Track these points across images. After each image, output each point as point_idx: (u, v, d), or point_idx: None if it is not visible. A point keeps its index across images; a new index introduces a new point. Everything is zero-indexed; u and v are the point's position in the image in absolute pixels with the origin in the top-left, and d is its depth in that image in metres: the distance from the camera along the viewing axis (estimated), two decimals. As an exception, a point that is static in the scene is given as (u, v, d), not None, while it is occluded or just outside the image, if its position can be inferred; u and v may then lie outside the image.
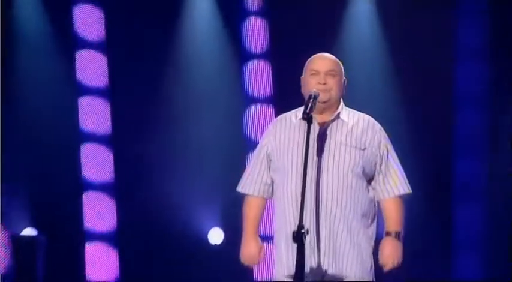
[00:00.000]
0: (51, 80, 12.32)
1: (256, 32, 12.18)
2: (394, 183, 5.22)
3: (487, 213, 12.68)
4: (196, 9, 12.44)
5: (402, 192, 5.11)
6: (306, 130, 4.62)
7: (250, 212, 5.18)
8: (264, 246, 5.32)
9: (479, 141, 12.72)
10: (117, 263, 12.17)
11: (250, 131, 12.08)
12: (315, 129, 4.74)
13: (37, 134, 12.17)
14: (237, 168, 12.03)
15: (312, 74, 4.98)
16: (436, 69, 12.37)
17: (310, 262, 4.66)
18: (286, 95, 11.20)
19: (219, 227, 12.19)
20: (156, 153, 12.08)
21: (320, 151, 4.87)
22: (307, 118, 4.42)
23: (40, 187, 12.07)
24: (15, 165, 12.02)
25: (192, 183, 12.26)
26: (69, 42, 12.41)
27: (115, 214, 12.30)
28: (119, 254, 12.21)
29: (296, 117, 4.98)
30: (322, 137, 4.91)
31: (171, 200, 12.08)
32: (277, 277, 5.02)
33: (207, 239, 12.24)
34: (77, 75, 12.19)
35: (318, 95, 4.68)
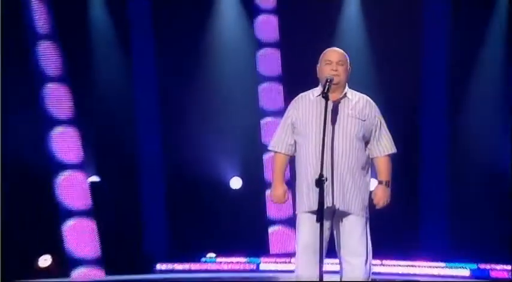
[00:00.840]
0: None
1: (268, 25, 13.58)
2: (385, 145, 6.27)
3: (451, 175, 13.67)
4: (224, 8, 13.88)
5: (390, 152, 6.24)
6: (322, 105, 5.79)
7: (278, 164, 6.22)
8: (288, 192, 6.30)
9: (443, 106, 13.83)
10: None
11: (263, 102, 13.45)
12: (330, 104, 5.80)
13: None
14: (253, 130, 13.58)
15: (326, 64, 6.02)
16: (407, 46, 13.46)
17: (326, 201, 5.71)
18: (291, 75, 13.18)
19: (238, 176, 13.93)
20: (192, 117, 13.55)
21: (333, 121, 5.90)
22: (325, 96, 5.58)
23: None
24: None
25: (217, 142, 13.57)
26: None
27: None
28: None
29: (313, 95, 6.10)
30: (334, 111, 5.95)
31: (201, 154, 13.69)
32: (300, 211, 6.16)
33: (229, 185, 13.94)
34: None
35: (333, 79, 5.79)
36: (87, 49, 13.79)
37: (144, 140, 13.83)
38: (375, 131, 6.31)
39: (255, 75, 13.96)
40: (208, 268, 13.22)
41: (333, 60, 6.06)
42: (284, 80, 13.82)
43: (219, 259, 13.40)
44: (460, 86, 13.79)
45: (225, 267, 13.23)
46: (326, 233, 5.98)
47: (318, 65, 6.18)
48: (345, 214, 6.05)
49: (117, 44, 14.21)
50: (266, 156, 13.64)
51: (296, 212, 6.20)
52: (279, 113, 12.71)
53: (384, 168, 6.31)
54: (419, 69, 14.07)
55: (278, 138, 6.29)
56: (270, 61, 13.85)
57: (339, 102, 6.00)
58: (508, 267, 12.01)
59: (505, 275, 12.13)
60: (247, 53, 14.24)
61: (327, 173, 5.71)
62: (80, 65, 13.44)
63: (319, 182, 5.46)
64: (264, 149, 13.29)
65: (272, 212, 13.48)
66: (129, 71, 13.99)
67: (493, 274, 12.31)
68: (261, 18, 13.83)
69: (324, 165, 5.64)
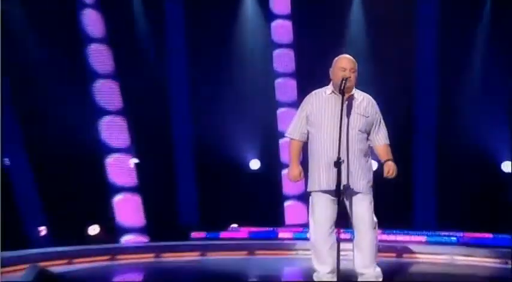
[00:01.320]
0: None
1: (283, 29, 14.19)
2: (382, 136, 6.96)
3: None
4: (247, 13, 14.33)
5: (386, 142, 6.95)
6: (333, 101, 6.69)
7: (294, 149, 6.99)
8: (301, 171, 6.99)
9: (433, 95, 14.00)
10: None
11: (279, 95, 14.06)
12: (340, 102, 6.61)
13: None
14: (270, 119, 14.18)
15: (340, 70, 6.71)
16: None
17: (340, 181, 6.43)
18: (303, 72, 13.81)
19: (256, 158, 14.37)
20: (219, 108, 13.87)
21: (346, 115, 6.68)
22: (342, 93, 6.41)
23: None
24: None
25: (239, 129, 13.98)
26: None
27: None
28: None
29: (325, 93, 6.86)
30: (348, 108, 6.77)
31: (226, 140, 13.96)
32: (313, 190, 6.85)
33: (249, 166, 14.40)
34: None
35: (348, 79, 6.53)
36: (132, 49, 14.01)
37: (178, 127, 14.21)
38: (375, 125, 6.93)
39: (272, 71, 14.40)
40: (233, 236, 13.49)
41: (346, 68, 6.67)
42: (297, 76, 14.29)
43: (242, 229, 13.62)
44: (450, 80, 13.85)
45: (247, 235, 13.54)
46: (336, 207, 6.51)
47: (332, 68, 6.82)
48: (354, 192, 6.71)
49: (154, 43, 14.44)
50: (281, 142, 14.03)
51: (308, 190, 6.88)
52: (292, 105, 13.77)
53: (385, 151, 6.90)
54: (413, 67, 14.17)
55: (294, 127, 6.94)
56: (284, 60, 14.34)
57: (348, 101, 6.67)
58: (488, 235, 12.17)
59: (485, 241, 12.15)
60: (266, 53, 14.60)
61: (340, 157, 6.34)
62: (126, 64, 13.72)
63: (338, 163, 6.10)
64: (280, 135, 14.06)
65: (287, 188, 14.00)
66: (165, 68, 14.29)
67: (474, 241, 12.32)
68: (277, 23, 14.33)
69: (335, 151, 6.30)
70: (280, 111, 14.25)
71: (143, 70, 14.11)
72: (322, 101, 6.84)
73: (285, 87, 14.19)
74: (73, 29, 13.55)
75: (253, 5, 14.66)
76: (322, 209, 6.74)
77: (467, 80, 14.05)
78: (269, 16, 14.37)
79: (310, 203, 6.89)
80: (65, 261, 10.61)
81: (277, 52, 14.18)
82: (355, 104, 6.83)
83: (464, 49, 13.99)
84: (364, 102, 6.93)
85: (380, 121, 7.06)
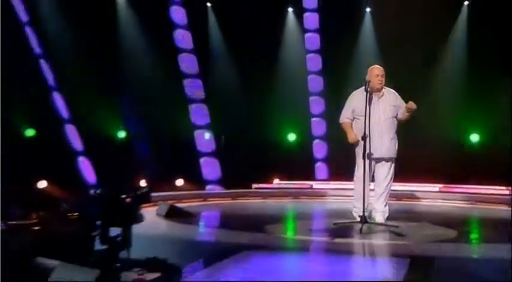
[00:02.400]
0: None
1: (313, 39, 14.77)
2: (403, 111, 7.60)
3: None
4: (287, 26, 14.85)
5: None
6: (369, 98, 7.35)
7: (347, 126, 7.86)
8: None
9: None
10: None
11: (311, 87, 14.72)
12: (376, 98, 7.54)
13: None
14: (303, 105, 14.72)
15: (375, 76, 7.59)
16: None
17: (372, 152, 7.46)
18: (330, 71, 14.30)
19: (293, 132, 14.98)
20: (267, 97, 14.41)
21: (378, 108, 7.61)
22: (367, 91, 7.18)
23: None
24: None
25: (281, 111, 14.59)
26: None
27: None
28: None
29: (361, 92, 7.54)
30: (379, 101, 7.64)
31: (271, 119, 14.63)
32: (359, 153, 7.68)
33: (287, 139, 15.02)
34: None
35: (370, 81, 7.35)
36: (208, 56, 14.78)
37: (236, 109, 14.40)
38: (399, 108, 7.78)
39: (305, 70, 14.89)
40: (278, 187, 14.30)
41: (379, 74, 7.66)
42: (323, 73, 14.88)
43: (284, 183, 14.39)
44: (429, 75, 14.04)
45: (289, 186, 14.23)
46: (368, 168, 7.55)
47: (368, 74, 7.71)
48: (382, 159, 7.81)
49: (222, 52, 14.98)
50: (312, 121, 14.88)
51: (356, 150, 7.79)
52: (320, 94, 14.74)
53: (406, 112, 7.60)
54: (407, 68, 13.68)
55: (345, 114, 7.99)
56: (314, 62, 14.88)
57: (380, 97, 7.73)
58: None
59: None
60: (301, 57, 15.04)
61: (373, 136, 7.48)
62: (205, 67, 14.70)
63: (364, 137, 7.27)
64: (310, 116, 14.92)
65: (316, 154, 14.75)
66: (231, 69, 14.73)
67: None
68: (309, 35, 14.91)
69: (371, 131, 7.35)
70: (312, 99, 14.95)
71: (218, 71, 14.87)
72: (361, 97, 7.65)
73: (315, 82, 14.83)
74: (170, 43, 14.31)
75: (293, 22, 15.08)
76: (361, 168, 7.69)
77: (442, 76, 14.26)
78: (304, 30, 14.95)
79: (356, 164, 7.95)
80: (177, 201, 11.34)
81: (309, 56, 14.84)
82: (384, 98, 7.78)
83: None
84: (390, 96, 7.85)
85: (401, 104, 7.80)
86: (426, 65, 14.15)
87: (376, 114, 7.56)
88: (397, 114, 7.79)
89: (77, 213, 9.79)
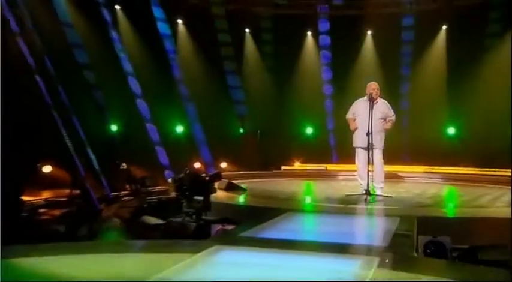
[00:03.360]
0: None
1: (326, 56, 15.01)
2: (390, 118, 7.97)
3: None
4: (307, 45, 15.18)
5: (391, 119, 7.89)
6: (367, 104, 7.74)
7: (351, 121, 8.15)
8: None
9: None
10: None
11: (325, 90, 15.10)
12: (371, 105, 7.70)
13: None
14: (317, 104, 14.93)
15: (371, 90, 7.87)
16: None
17: (369, 142, 7.60)
18: (338, 80, 14.55)
19: (310, 127, 15.33)
20: (289, 97, 14.85)
21: (373, 111, 7.71)
22: (371, 100, 7.63)
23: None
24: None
25: (301, 108, 14.89)
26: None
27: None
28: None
29: (363, 100, 7.97)
30: (373, 107, 7.76)
31: (292, 114, 15.02)
32: (357, 146, 8.08)
33: (306, 132, 15.40)
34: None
35: (373, 97, 7.73)
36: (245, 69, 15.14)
37: (267, 110, 14.71)
38: (387, 115, 8.08)
39: (320, 79, 15.25)
40: (301, 168, 14.72)
41: (375, 88, 8.06)
42: (332, 82, 15.12)
43: (303, 165, 14.84)
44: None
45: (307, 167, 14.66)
46: (366, 154, 7.85)
47: (367, 88, 8.07)
48: (375, 148, 8.00)
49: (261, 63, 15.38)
50: (327, 118, 15.03)
51: (354, 146, 8.24)
52: (331, 97, 14.90)
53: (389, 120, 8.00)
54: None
55: (350, 113, 8.34)
56: (326, 72, 15.20)
57: (375, 104, 7.96)
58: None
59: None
60: (317, 67, 15.30)
61: (370, 130, 7.68)
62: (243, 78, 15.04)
63: (368, 134, 7.63)
64: (325, 113, 15.12)
65: (331, 142, 14.89)
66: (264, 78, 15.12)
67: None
68: (323, 52, 15.17)
69: (366, 128, 7.63)
70: (327, 100, 15.15)
71: (254, 81, 15.20)
72: (362, 104, 8.18)
73: (328, 88, 15.20)
74: (218, 62, 14.61)
75: (311, 41, 15.41)
76: (362, 156, 8.16)
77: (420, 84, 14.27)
78: (319, 48, 15.19)
79: (356, 153, 8.33)
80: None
81: (323, 68, 15.26)
82: (378, 106, 8.09)
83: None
84: (382, 104, 8.19)
85: (389, 110, 8.19)
86: (412, 76, 14.47)
87: (373, 115, 7.87)
88: (385, 118, 8.14)
89: (159, 187, 10.61)
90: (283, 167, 14.49)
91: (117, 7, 13.14)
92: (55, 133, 10.05)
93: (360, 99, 8.24)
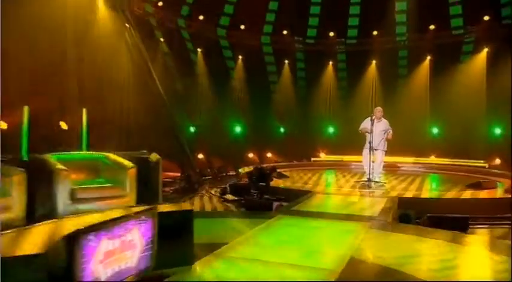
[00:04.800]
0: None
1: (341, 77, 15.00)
2: (388, 133, 8.11)
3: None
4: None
5: (389, 136, 8.00)
6: (371, 122, 7.97)
7: (362, 132, 8.20)
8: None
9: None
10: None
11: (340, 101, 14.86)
12: (376, 122, 8.03)
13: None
14: (336, 109, 14.87)
15: (378, 112, 8.16)
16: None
17: (373, 145, 7.90)
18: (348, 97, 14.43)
19: (332, 127, 15.29)
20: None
21: (377, 128, 8.00)
22: (372, 120, 7.92)
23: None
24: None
25: (322, 114, 15.05)
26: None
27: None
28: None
29: (371, 118, 8.02)
30: (377, 124, 8.06)
31: (313, 119, 14.92)
32: (364, 148, 8.19)
33: (328, 131, 15.35)
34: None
35: (375, 117, 7.94)
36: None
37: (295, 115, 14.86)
38: (387, 129, 8.26)
39: (337, 94, 15.10)
40: (325, 159, 14.56)
41: (379, 111, 8.36)
42: (346, 97, 14.83)
43: (326, 156, 14.52)
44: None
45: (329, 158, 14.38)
46: (369, 152, 8.08)
47: (374, 110, 8.32)
48: (377, 149, 8.25)
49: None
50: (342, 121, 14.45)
51: (364, 148, 8.35)
52: (344, 106, 14.44)
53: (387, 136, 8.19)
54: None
55: (362, 127, 8.37)
56: (341, 90, 15.19)
57: (378, 122, 8.25)
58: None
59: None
60: (334, 85, 15.23)
61: (374, 139, 8.02)
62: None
63: (371, 147, 8.01)
64: (340, 117, 14.74)
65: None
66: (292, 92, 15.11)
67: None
68: (339, 75, 15.15)
69: (373, 137, 7.97)
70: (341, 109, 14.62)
71: (286, 95, 15.28)
72: (369, 121, 8.27)
73: (342, 99, 14.96)
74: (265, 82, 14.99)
75: (331, 68, 15.25)
76: (366, 152, 8.32)
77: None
78: (337, 71, 15.16)
79: (363, 151, 8.46)
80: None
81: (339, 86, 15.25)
82: (380, 123, 8.34)
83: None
84: (383, 122, 8.40)
85: (388, 128, 8.32)
86: (405, 90, 14.27)
87: (376, 130, 8.23)
88: (385, 132, 8.41)
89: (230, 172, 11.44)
90: (312, 158, 14.52)
91: (199, 50, 14.11)
92: (166, 132, 10.65)
93: (368, 118, 8.42)
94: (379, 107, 8.65)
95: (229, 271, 3.30)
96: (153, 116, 10.48)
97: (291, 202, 6.51)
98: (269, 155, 14.25)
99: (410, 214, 5.70)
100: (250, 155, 13.82)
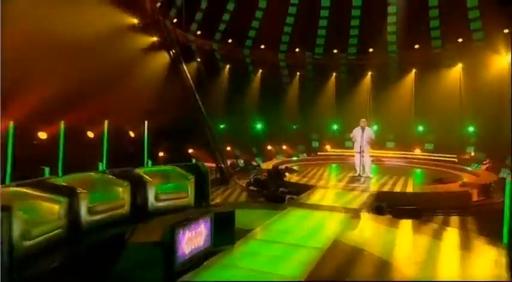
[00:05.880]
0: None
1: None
2: (371, 142, 8.55)
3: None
4: None
5: (371, 142, 8.32)
6: (360, 131, 8.52)
7: (353, 139, 8.82)
8: None
9: None
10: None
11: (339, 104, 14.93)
12: (362, 131, 8.50)
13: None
14: (335, 111, 14.79)
15: (363, 122, 8.55)
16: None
17: (360, 150, 8.47)
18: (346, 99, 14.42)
19: (336, 125, 15.37)
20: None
21: (363, 136, 8.46)
22: (362, 129, 8.45)
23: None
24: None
25: (327, 116, 15.04)
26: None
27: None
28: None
29: (357, 128, 8.60)
30: (363, 133, 8.51)
31: (320, 119, 14.97)
32: (355, 152, 8.76)
33: (333, 128, 15.47)
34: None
35: (365, 128, 8.44)
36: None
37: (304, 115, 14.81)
38: (371, 137, 8.65)
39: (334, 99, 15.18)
40: (328, 153, 14.35)
41: (365, 121, 8.79)
42: (343, 101, 14.64)
43: (331, 150, 14.83)
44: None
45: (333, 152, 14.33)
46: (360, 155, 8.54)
47: (361, 121, 8.63)
48: (363, 152, 8.66)
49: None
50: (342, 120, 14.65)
51: (354, 151, 8.88)
52: (342, 108, 14.38)
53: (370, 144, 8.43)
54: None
55: (352, 136, 8.92)
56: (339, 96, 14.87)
57: (364, 131, 8.65)
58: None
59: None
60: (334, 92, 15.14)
61: (362, 145, 8.54)
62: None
63: (360, 151, 8.53)
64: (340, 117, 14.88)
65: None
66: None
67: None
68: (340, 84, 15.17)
69: (361, 143, 8.45)
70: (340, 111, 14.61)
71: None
72: (358, 130, 8.82)
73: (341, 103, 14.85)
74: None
75: (333, 77, 15.45)
76: (356, 154, 8.91)
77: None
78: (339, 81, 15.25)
79: (355, 154, 8.99)
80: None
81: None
82: (365, 132, 8.79)
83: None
84: (368, 130, 8.88)
85: (372, 135, 8.82)
86: (394, 95, 14.27)
87: (363, 136, 8.83)
88: (370, 138, 8.93)
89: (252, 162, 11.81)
90: (319, 153, 14.92)
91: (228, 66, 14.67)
92: (201, 132, 10.98)
93: (357, 128, 8.99)
94: (364, 119, 9.16)
95: (257, 248, 4.33)
96: (192, 120, 11.11)
97: (298, 196, 7.15)
98: (284, 147, 14.58)
99: (383, 206, 6.44)
100: (269, 147, 14.18)
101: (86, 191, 4.25)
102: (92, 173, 4.91)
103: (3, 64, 5.01)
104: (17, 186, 3.92)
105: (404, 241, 5.00)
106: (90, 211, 4.29)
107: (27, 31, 6.49)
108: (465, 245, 4.75)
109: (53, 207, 3.96)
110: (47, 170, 6.30)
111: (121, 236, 4.04)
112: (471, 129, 13.27)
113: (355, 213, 5.87)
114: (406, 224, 5.57)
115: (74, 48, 7.28)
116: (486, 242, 4.78)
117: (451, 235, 5.22)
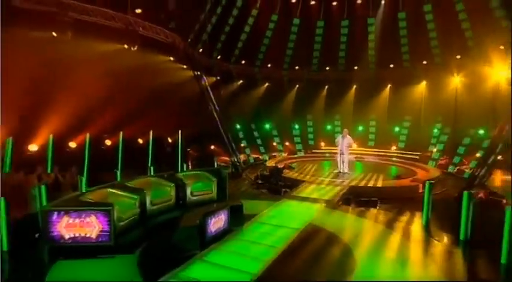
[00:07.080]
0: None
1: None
2: (350, 145, 8.94)
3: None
4: None
5: (351, 146, 8.71)
6: (341, 138, 9.15)
7: (337, 143, 9.04)
8: None
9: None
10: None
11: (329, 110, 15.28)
12: (344, 138, 9.02)
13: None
14: (329, 115, 14.61)
15: (345, 132, 8.98)
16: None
17: (340, 152, 9.02)
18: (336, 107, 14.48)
19: (330, 126, 15.56)
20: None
21: (344, 142, 8.89)
22: (343, 137, 9.06)
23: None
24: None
25: (317, 115, 15.08)
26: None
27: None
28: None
29: (341, 136, 9.13)
30: (344, 139, 8.98)
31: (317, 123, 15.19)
32: (339, 154, 9.10)
33: (327, 129, 15.25)
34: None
35: (346, 135, 8.95)
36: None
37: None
38: (350, 142, 9.00)
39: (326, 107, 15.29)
40: (321, 150, 14.22)
41: (347, 131, 9.20)
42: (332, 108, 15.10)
43: (324, 147, 14.51)
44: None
45: (325, 150, 13.91)
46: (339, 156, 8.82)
47: (344, 131, 9.03)
48: (344, 153, 9.05)
49: None
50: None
51: (338, 154, 8.98)
52: (334, 113, 14.71)
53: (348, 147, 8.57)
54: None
55: (336, 141, 9.22)
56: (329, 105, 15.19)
57: (345, 137, 9.12)
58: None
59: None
60: (324, 101, 15.34)
61: (343, 148, 8.86)
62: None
63: (340, 154, 8.91)
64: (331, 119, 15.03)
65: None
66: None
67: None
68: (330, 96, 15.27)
69: (342, 146, 8.72)
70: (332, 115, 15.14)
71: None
72: (340, 137, 9.30)
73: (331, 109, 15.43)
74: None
75: (326, 89, 15.70)
76: (338, 155, 9.30)
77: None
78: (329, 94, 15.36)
79: (338, 155, 9.15)
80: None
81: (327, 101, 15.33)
82: (346, 139, 9.24)
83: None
84: (348, 137, 9.29)
85: (350, 142, 9.07)
86: (375, 103, 14.65)
87: (344, 142, 9.36)
88: (349, 144, 9.44)
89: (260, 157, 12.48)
90: (313, 150, 15.00)
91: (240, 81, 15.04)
92: (218, 134, 11.38)
93: (340, 135, 9.68)
94: (346, 129, 9.90)
95: (256, 228, 5.30)
96: (211, 126, 11.68)
97: (291, 189, 7.75)
98: (287, 144, 14.92)
99: (350, 198, 7.24)
100: (274, 143, 14.74)
101: (148, 190, 5.60)
102: (150, 178, 6.28)
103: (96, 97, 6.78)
104: (104, 188, 5.24)
105: (354, 222, 5.99)
106: (152, 204, 5.71)
107: (114, 75, 8.21)
108: (390, 224, 5.86)
109: (131, 202, 5.38)
110: (118, 172, 7.43)
111: (172, 220, 5.31)
112: (435, 131, 13.57)
113: (328, 203, 6.66)
114: (361, 211, 6.52)
115: (130, 82, 8.72)
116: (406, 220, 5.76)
117: (383, 216, 6.21)
